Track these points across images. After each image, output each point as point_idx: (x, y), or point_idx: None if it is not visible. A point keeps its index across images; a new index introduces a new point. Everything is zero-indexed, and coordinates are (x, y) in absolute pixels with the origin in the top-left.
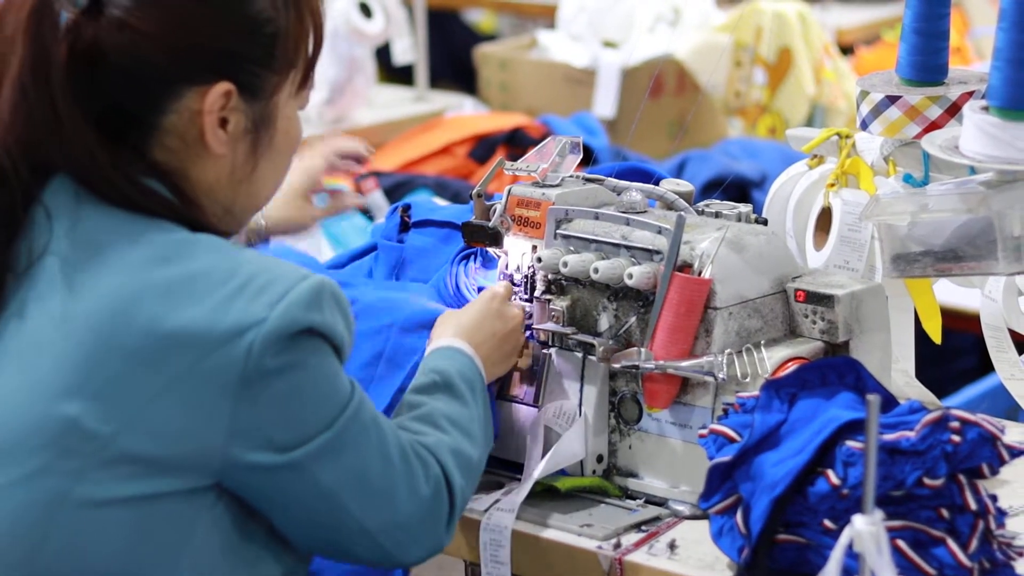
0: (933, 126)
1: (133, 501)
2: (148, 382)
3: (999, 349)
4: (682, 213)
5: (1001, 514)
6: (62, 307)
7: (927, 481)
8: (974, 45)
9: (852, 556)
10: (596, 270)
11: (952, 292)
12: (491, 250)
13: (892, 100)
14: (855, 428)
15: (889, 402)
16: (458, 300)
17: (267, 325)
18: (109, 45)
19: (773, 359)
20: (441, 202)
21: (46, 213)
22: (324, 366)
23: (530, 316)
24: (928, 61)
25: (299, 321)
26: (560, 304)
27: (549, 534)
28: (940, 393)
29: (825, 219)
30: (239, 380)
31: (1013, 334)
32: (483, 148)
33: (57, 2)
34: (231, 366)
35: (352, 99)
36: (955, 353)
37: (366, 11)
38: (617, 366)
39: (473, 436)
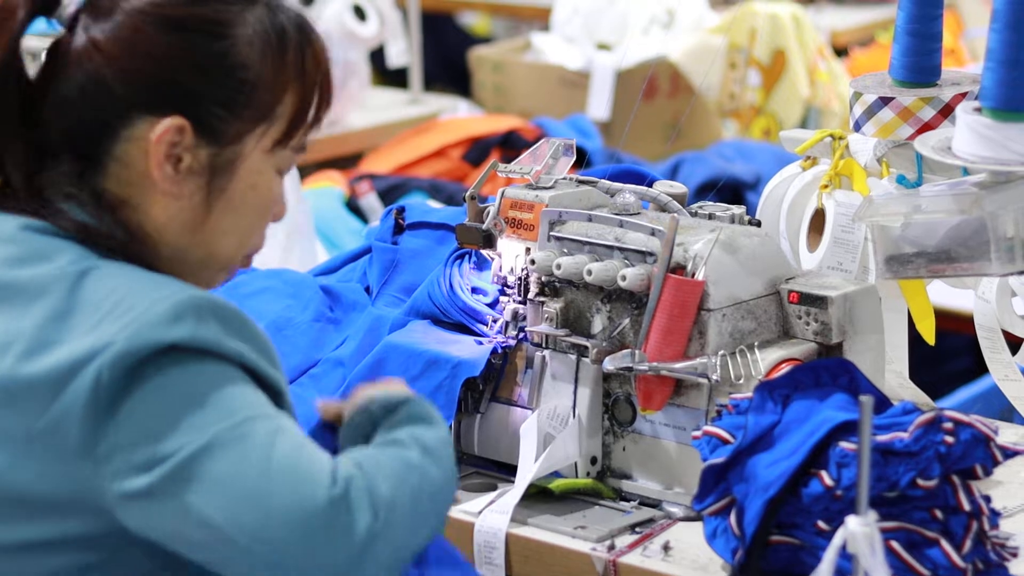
0: (926, 127)
1: (33, 547)
2: (16, 423)
3: (993, 350)
4: (675, 215)
5: (995, 515)
6: None
7: (920, 482)
8: (968, 46)
9: (846, 557)
10: (589, 272)
11: (946, 293)
12: (485, 252)
13: (885, 101)
14: (848, 429)
15: (882, 403)
16: (452, 299)
17: (113, 348)
18: (73, 58)
19: (767, 360)
20: (435, 205)
21: None
22: (195, 377)
23: (524, 318)
24: (921, 62)
25: (153, 340)
26: (553, 306)
27: (543, 536)
28: (934, 394)
29: (818, 220)
30: (91, 409)
31: (1007, 335)
32: (477, 151)
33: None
34: (79, 396)
35: (346, 102)
36: (950, 354)
37: (360, 14)
38: (611, 368)
39: (433, 451)
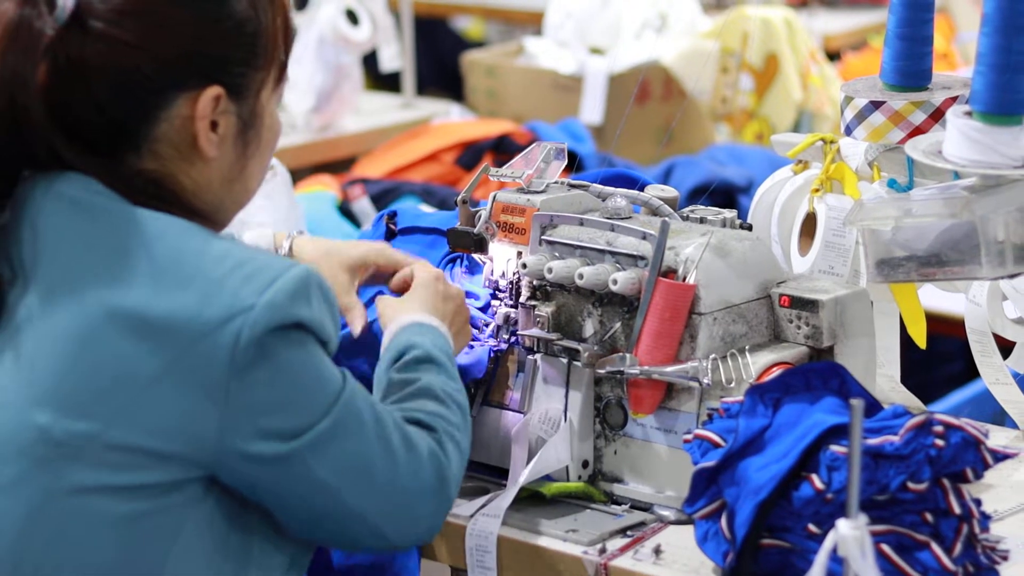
0: (917, 131)
1: (124, 491)
2: (138, 372)
3: (984, 354)
4: (666, 219)
5: (985, 518)
6: (46, 311)
7: (911, 485)
8: (960, 50)
9: (836, 560)
10: (581, 276)
11: (937, 297)
12: (476, 256)
13: (876, 105)
14: (839, 433)
15: (873, 407)
16: None
17: (255, 313)
18: (95, 59)
19: (757, 364)
20: (428, 209)
21: (28, 216)
22: (312, 358)
23: (515, 322)
24: (912, 66)
25: (287, 313)
26: (545, 310)
27: (535, 540)
28: (927, 398)
29: (810, 224)
30: (228, 367)
31: (998, 339)
32: (470, 155)
33: (37, 20)
34: (220, 353)
35: (339, 106)
36: (942, 358)
37: (353, 18)
38: (602, 372)
39: (463, 407)
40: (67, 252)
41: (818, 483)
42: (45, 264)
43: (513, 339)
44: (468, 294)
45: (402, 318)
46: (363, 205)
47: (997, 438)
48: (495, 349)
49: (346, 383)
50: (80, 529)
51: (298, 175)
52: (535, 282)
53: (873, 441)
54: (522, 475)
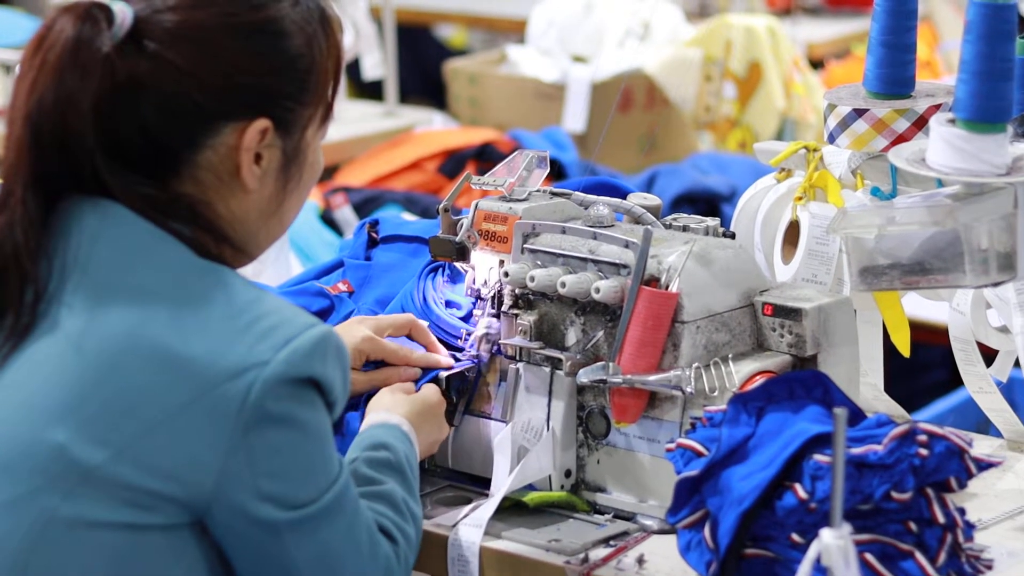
0: (900, 139)
1: (119, 527)
2: (146, 411)
3: (967, 362)
4: (649, 227)
5: (969, 527)
6: (74, 331)
7: (895, 495)
8: (944, 58)
9: (820, 570)
10: (563, 284)
11: (921, 305)
12: (458, 265)
13: (859, 113)
14: (823, 442)
15: (857, 416)
16: (425, 313)
17: (269, 368)
18: (146, 79)
19: (741, 373)
20: (410, 217)
21: (67, 237)
22: (320, 429)
23: (497, 332)
24: (895, 74)
25: (301, 369)
26: (527, 319)
27: (517, 549)
28: (911, 407)
29: (793, 232)
30: (235, 420)
31: (981, 347)
32: (453, 163)
33: (96, 38)
34: (229, 405)
35: None
36: (926, 366)
37: None
38: (585, 380)
39: (418, 523)
40: (101, 275)
41: (801, 492)
42: (80, 283)
43: (495, 348)
44: (450, 303)
45: (386, 413)
46: (345, 213)
47: (981, 447)
48: (476, 359)
49: (342, 470)
50: (76, 559)
51: None
52: (517, 290)
53: (857, 450)
54: (505, 485)
